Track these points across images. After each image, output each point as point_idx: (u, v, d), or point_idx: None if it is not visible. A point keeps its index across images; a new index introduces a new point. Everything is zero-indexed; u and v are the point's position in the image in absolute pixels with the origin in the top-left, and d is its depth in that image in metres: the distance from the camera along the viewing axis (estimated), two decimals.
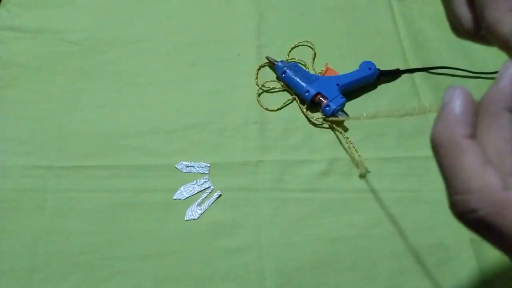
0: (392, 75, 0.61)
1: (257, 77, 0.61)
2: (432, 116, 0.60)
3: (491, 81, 0.62)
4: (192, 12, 0.68)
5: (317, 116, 0.57)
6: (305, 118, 0.58)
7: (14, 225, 0.50)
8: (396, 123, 0.57)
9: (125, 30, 0.65)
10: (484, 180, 0.19)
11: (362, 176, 0.53)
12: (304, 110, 0.58)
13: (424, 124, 0.57)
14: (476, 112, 0.21)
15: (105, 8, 0.67)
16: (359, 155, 0.53)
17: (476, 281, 0.47)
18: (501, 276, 0.47)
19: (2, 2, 0.67)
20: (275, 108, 0.58)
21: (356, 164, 0.53)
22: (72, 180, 0.52)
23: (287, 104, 0.59)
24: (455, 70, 0.62)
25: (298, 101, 0.59)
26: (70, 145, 0.55)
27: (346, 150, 0.55)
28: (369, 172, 0.53)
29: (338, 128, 0.56)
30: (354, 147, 0.54)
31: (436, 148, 0.21)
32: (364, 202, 0.52)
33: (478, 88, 0.61)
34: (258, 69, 0.61)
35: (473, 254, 0.48)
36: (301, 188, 0.52)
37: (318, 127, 0.57)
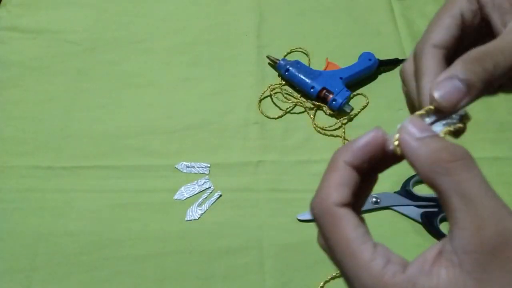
0: (391, 64, 0.62)
1: (260, 104, 0.61)
2: None
3: None
4: (192, 12, 0.68)
5: (323, 125, 0.57)
6: (304, 118, 0.58)
7: (14, 225, 0.50)
8: (397, 123, 0.57)
9: (125, 30, 0.65)
10: (358, 260, 0.19)
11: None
12: (312, 118, 0.58)
13: None
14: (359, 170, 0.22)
15: (105, 8, 0.67)
16: None
17: None
18: None
19: (2, 2, 0.67)
20: (276, 116, 0.58)
21: None
22: (72, 180, 0.52)
23: (289, 111, 0.59)
24: None
25: (307, 109, 0.58)
26: (70, 145, 0.55)
27: None
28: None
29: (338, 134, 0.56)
30: None
31: (315, 218, 0.22)
32: None
33: None
34: (260, 101, 0.59)
35: None
36: (301, 188, 0.52)
37: (323, 134, 0.57)
